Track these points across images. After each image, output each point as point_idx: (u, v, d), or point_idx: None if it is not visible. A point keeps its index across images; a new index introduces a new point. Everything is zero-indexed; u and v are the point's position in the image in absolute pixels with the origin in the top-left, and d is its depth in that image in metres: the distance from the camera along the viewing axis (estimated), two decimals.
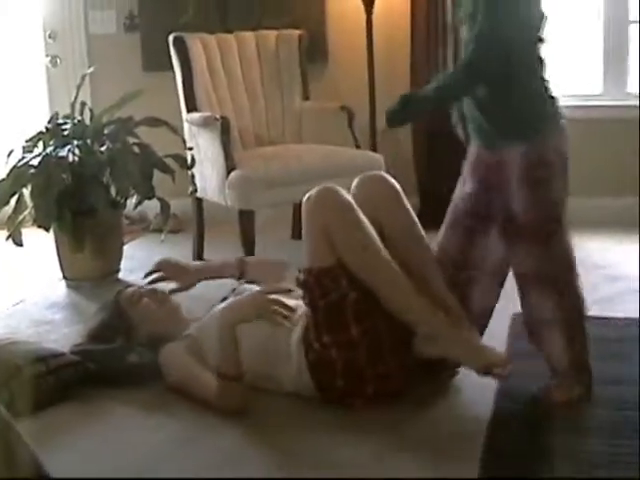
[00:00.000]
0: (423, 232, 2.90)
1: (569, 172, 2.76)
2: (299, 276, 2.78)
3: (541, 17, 2.65)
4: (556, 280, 2.71)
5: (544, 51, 2.70)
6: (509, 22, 2.56)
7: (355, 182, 2.93)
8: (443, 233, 2.89)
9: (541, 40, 2.67)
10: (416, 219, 2.91)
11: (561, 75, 5.14)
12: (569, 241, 2.75)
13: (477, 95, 2.69)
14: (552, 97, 2.72)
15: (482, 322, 2.90)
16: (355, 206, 2.75)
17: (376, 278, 2.72)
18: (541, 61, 2.69)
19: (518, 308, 3.46)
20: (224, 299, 3.07)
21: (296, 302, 2.82)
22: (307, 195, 2.78)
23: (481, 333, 2.87)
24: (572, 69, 5.21)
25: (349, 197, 2.77)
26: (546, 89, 2.71)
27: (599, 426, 2.57)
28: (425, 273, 2.82)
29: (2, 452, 1.82)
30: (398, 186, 2.93)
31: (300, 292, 2.81)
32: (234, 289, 3.16)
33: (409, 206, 2.91)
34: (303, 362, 2.73)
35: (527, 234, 2.69)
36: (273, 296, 2.71)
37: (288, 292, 2.79)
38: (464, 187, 2.83)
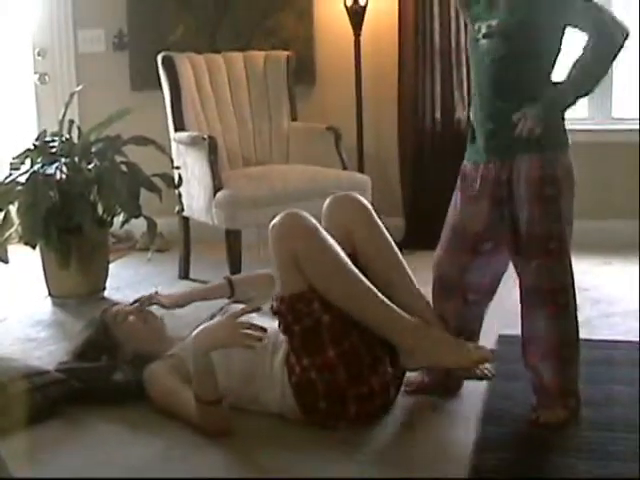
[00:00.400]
0: (396, 249, 2.92)
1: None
2: (273, 304, 2.78)
3: None
4: (553, 299, 2.72)
5: None
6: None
7: (326, 202, 2.95)
8: (444, 252, 2.89)
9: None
10: (389, 236, 2.93)
11: None
12: (569, 262, 2.75)
13: (495, 107, 2.72)
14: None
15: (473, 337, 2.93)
16: (321, 229, 2.75)
17: (347, 300, 2.72)
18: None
19: (504, 329, 3.50)
20: (212, 317, 3.08)
21: (267, 324, 2.83)
22: (272, 222, 2.77)
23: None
24: None
25: (314, 221, 2.77)
26: None
27: (587, 448, 2.57)
28: (399, 282, 2.84)
29: None
30: (369, 206, 2.96)
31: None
32: (222, 307, 3.16)
33: (381, 224, 2.94)
34: (287, 385, 2.74)
35: (529, 249, 2.71)
36: (244, 318, 2.68)
37: (257, 310, 2.77)
38: (470, 205, 2.83)
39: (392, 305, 2.74)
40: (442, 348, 2.70)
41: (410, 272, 2.89)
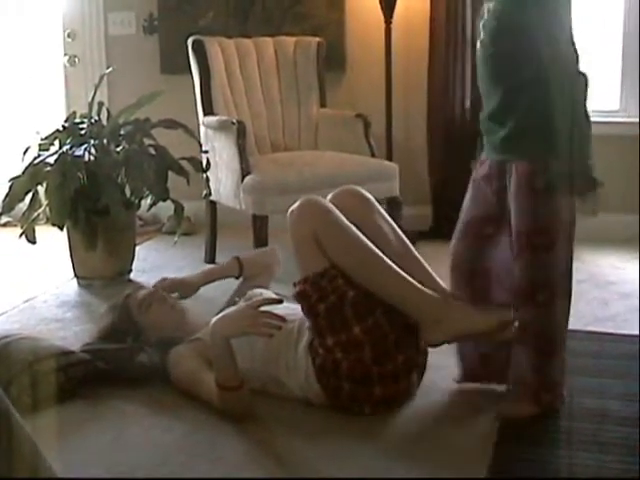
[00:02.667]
0: (405, 238, 2.93)
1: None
2: (296, 288, 2.78)
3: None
4: (533, 296, 2.68)
5: None
6: None
7: (329, 197, 2.95)
8: (456, 240, 2.88)
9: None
10: (395, 226, 2.94)
11: None
12: (562, 260, 2.69)
13: (488, 104, 2.69)
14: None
15: None
16: (336, 211, 2.78)
17: (369, 275, 2.73)
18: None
19: None
20: (230, 302, 3.14)
21: (292, 310, 2.84)
22: (290, 209, 2.81)
23: None
24: (590, 85, 5.20)
25: (329, 204, 2.81)
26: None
27: (612, 442, 2.55)
28: (412, 269, 2.82)
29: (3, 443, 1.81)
30: (372, 198, 2.96)
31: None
32: (245, 293, 3.19)
33: (386, 214, 2.96)
34: (310, 369, 2.73)
35: (518, 244, 2.68)
36: (264, 308, 2.68)
37: (279, 302, 2.77)
38: (475, 193, 2.82)
39: (413, 280, 2.74)
40: (469, 314, 2.68)
41: (423, 261, 2.89)
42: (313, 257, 2.74)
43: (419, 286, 2.74)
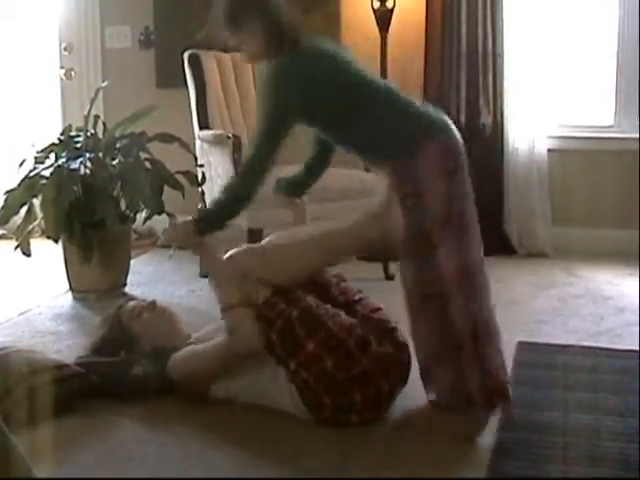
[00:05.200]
0: None
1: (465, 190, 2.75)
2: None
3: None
4: (425, 306, 2.69)
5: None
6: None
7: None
8: None
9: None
10: None
11: (573, 106, 5.18)
12: (451, 264, 2.66)
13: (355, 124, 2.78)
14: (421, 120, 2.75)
15: None
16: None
17: (300, 262, 2.87)
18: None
19: (523, 337, 3.49)
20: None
21: None
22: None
23: None
24: (584, 101, 5.23)
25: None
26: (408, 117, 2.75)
27: (607, 457, 2.54)
28: None
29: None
30: None
31: None
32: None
33: None
34: (294, 391, 2.76)
35: (403, 249, 2.71)
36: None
37: None
38: None
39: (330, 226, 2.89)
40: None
41: None
42: (251, 292, 2.79)
43: (340, 224, 2.85)
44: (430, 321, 2.71)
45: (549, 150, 5.06)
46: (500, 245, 5.11)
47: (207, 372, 2.89)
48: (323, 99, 2.78)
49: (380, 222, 2.76)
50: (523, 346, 3.39)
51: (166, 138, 4.29)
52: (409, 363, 2.84)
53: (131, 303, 3.23)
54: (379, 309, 2.89)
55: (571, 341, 3.52)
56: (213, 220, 2.89)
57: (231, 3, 2.91)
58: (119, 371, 2.99)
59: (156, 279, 4.61)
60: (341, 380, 2.69)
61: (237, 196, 2.88)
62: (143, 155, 4.26)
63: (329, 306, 2.81)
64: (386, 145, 2.76)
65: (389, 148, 2.76)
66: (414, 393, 2.85)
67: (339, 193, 4.26)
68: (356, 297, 2.92)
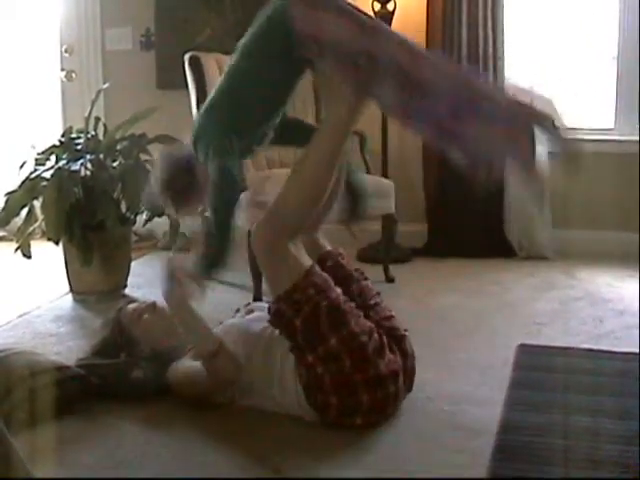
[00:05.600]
0: None
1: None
2: (270, 312, 2.82)
3: None
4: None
5: None
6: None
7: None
8: None
9: None
10: None
11: (573, 109, 5.18)
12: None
13: None
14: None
15: None
16: None
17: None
18: None
19: (523, 339, 3.49)
20: (238, 310, 3.23)
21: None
22: (252, 235, 2.92)
23: None
24: (584, 103, 5.24)
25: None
26: None
27: (607, 460, 2.54)
28: None
29: None
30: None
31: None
32: (246, 304, 3.28)
33: None
34: (300, 391, 2.75)
35: None
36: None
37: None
38: None
39: None
40: None
41: None
42: (282, 271, 2.77)
43: None
44: None
45: (549, 152, 5.05)
46: (500, 248, 5.11)
47: (205, 390, 2.87)
48: None
49: None
50: (523, 348, 3.39)
51: (166, 140, 4.28)
52: (414, 371, 2.88)
53: (131, 305, 3.22)
54: (392, 317, 2.90)
55: (571, 343, 3.52)
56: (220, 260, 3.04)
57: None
58: (119, 373, 2.99)
59: (156, 281, 4.59)
60: (355, 382, 2.69)
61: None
62: (144, 157, 4.26)
63: (354, 304, 2.81)
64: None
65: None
66: (415, 396, 2.85)
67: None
68: (372, 301, 2.92)
